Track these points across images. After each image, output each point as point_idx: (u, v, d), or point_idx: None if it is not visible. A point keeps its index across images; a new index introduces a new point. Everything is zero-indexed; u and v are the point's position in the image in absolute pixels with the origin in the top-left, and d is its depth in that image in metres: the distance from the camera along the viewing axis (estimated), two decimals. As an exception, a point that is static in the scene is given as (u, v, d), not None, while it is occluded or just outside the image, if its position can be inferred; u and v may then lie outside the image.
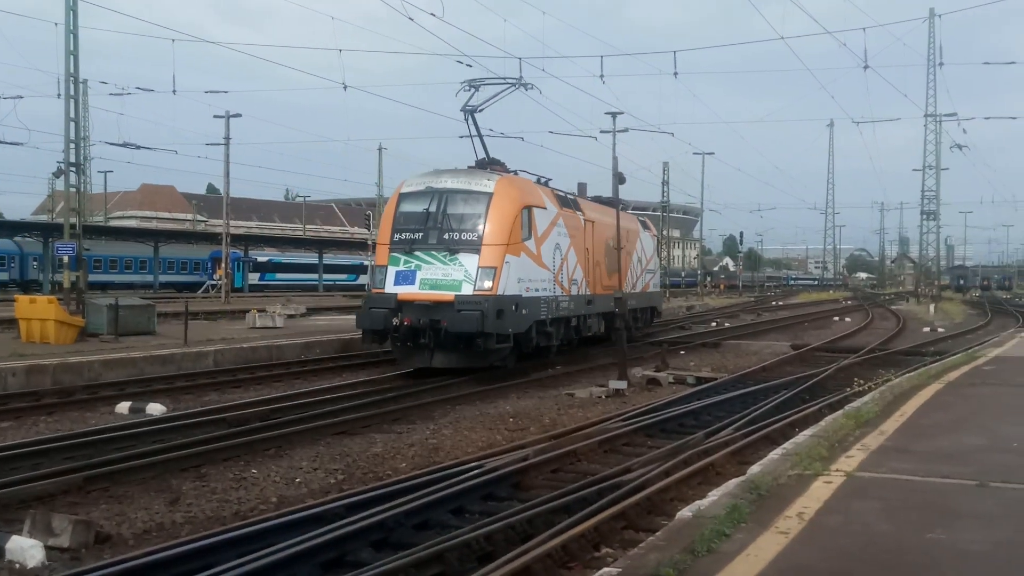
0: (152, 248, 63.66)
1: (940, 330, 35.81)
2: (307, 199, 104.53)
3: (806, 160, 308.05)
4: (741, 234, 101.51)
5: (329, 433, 12.32)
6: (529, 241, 18.52)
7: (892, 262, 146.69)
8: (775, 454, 8.08)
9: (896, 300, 74.17)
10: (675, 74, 32.91)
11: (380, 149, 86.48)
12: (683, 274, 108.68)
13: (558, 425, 13.24)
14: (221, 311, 36.18)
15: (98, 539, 7.44)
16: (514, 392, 16.92)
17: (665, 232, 73.26)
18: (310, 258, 73.97)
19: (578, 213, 22.10)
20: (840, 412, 10.57)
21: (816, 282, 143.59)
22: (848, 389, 14.71)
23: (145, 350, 19.27)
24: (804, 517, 5.79)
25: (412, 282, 17.40)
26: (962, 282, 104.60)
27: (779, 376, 18.56)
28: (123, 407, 14.16)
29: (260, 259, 70.06)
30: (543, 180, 21.67)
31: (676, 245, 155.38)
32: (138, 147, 42.67)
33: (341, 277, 76.31)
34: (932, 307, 52.67)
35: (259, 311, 28.92)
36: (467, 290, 17.09)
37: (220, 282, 51.70)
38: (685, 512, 6.08)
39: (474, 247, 17.43)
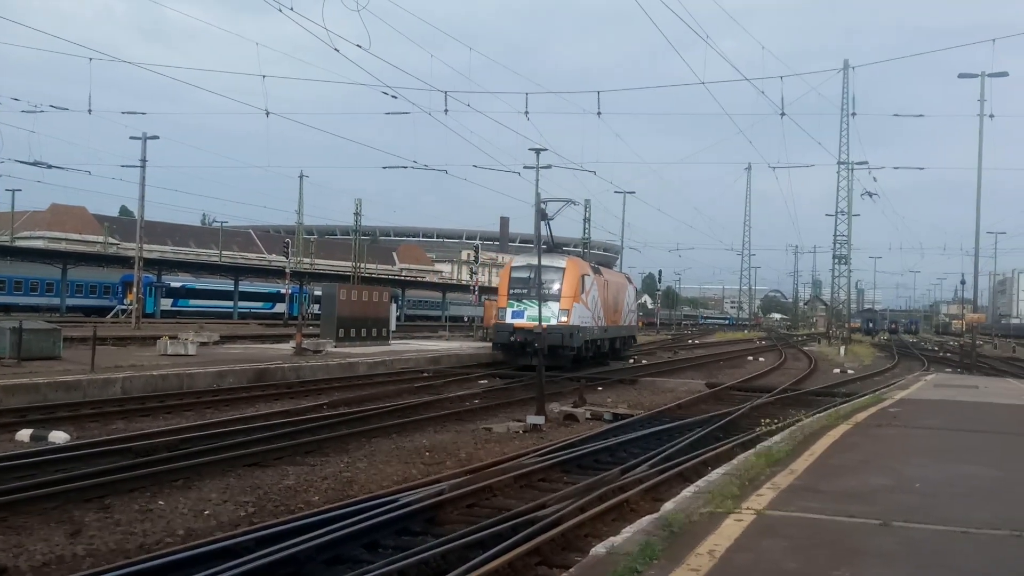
0: (60, 270, 61.78)
1: (850, 372, 36.81)
2: (224, 225, 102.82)
3: (724, 202, 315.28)
4: (660, 272, 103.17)
5: (240, 464, 12.05)
6: (583, 294, 30.06)
7: (805, 304, 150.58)
8: (688, 492, 8.15)
9: (808, 341, 75.98)
10: (598, 114, 33.25)
11: (301, 177, 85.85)
12: None
13: (475, 460, 13.19)
14: (131, 337, 35.26)
15: (-8, 572, 7.15)
16: (431, 425, 16.82)
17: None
18: (225, 285, 72.50)
19: (600, 276, 33.65)
20: (752, 451, 10.72)
21: (727, 321, 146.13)
22: (760, 428, 14.96)
23: (49, 375, 18.66)
24: (715, 554, 5.85)
25: (523, 317, 28.77)
26: (871, 325, 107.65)
27: (694, 414, 18.82)
28: (24, 434, 13.67)
29: (173, 284, 68.44)
30: (582, 255, 34.76)
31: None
32: (50, 166, 41.71)
33: (257, 305, 74.94)
34: (843, 349, 54.12)
35: (171, 338, 28.28)
36: (554, 322, 28.12)
37: (131, 307, 50.39)
38: (599, 548, 6.09)
39: (556, 298, 29.01)
